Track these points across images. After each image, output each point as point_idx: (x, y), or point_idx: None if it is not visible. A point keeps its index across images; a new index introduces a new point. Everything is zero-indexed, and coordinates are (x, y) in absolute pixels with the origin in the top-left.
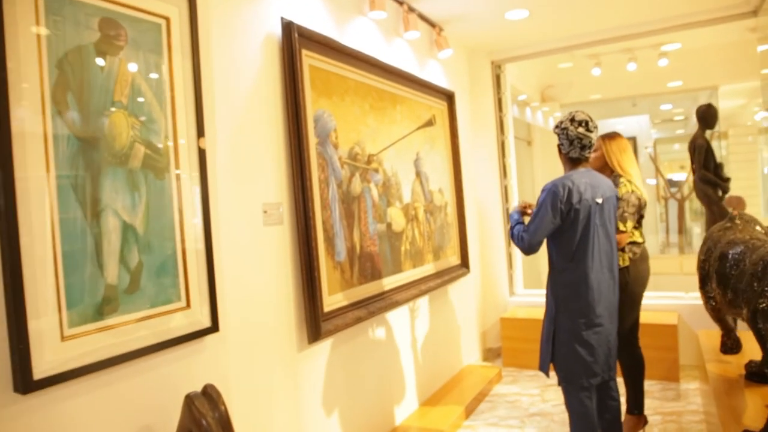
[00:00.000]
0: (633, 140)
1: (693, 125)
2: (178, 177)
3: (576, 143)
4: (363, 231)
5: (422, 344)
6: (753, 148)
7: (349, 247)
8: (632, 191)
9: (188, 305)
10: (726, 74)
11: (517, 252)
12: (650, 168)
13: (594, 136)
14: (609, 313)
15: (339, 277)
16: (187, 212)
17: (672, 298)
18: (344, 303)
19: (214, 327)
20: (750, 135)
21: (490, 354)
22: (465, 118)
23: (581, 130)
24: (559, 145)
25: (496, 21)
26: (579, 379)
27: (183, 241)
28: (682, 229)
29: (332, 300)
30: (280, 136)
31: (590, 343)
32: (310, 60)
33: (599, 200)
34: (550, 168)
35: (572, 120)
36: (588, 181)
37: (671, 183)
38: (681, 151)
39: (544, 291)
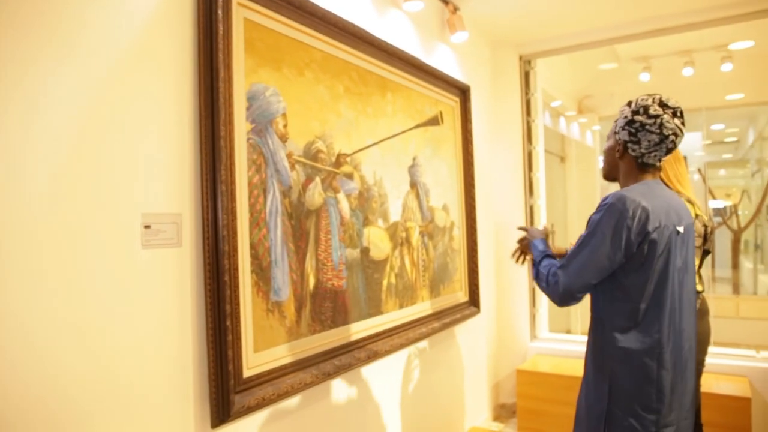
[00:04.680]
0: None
1: (744, 149)
2: None
3: (665, 143)
4: (322, 258)
5: (411, 406)
6: None
7: (296, 280)
8: (696, 216)
9: None
10: None
11: None
12: (699, 195)
13: None
14: (686, 405)
15: (276, 324)
16: None
17: (738, 357)
18: (284, 361)
19: None
20: None
21: (504, 411)
22: (483, 120)
23: (678, 122)
24: (626, 143)
25: (526, 3)
26: None
27: None
28: (736, 265)
29: (262, 358)
30: (186, 116)
31: None
32: (246, 12)
33: (681, 229)
34: (587, 190)
35: (664, 105)
36: (666, 200)
37: (714, 212)
38: (727, 177)
39: (573, 336)
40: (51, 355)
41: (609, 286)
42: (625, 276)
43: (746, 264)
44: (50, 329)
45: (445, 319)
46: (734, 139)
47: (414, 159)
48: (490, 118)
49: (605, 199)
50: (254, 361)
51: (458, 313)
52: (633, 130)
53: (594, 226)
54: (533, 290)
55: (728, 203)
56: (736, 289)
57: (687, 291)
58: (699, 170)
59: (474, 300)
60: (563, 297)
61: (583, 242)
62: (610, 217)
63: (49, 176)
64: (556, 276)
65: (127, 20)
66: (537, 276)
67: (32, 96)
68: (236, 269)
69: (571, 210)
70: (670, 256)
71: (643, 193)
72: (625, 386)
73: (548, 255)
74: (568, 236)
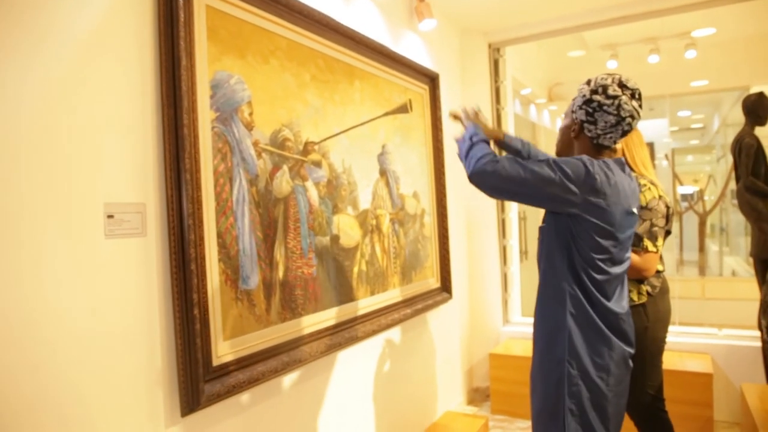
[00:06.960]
0: (650, 146)
1: (710, 135)
2: None
3: (622, 125)
4: (291, 246)
5: (385, 391)
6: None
7: (265, 268)
8: (659, 197)
9: None
10: (763, 71)
11: (514, 273)
12: (666, 180)
13: None
14: (623, 366)
15: (246, 312)
16: None
17: (701, 335)
18: (254, 349)
19: None
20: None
21: (478, 395)
22: (452, 107)
23: (635, 104)
24: (582, 123)
25: None
26: None
27: None
28: (702, 248)
29: (232, 346)
30: (148, 105)
31: (607, 413)
32: None
33: (633, 209)
34: None
35: (623, 86)
36: (626, 180)
37: (681, 197)
38: (694, 163)
39: None
40: (14, 347)
41: (565, 255)
42: (580, 246)
43: (712, 247)
44: (12, 321)
45: (417, 305)
46: (700, 125)
47: (383, 147)
48: (460, 105)
49: (578, 156)
50: (224, 349)
51: (430, 299)
52: (590, 110)
53: (558, 160)
54: (505, 275)
55: (695, 188)
56: (702, 271)
57: (625, 265)
58: (666, 156)
59: (446, 286)
60: (484, 175)
61: (541, 160)
62: (577, 162)
63: (7, 167)
64: (497, 158)
65: (86, 7)
66: (465, 150)
67: None
68: (203, 258)
69: None
70: (617, 231)
71: (609, 166)
72: (581, 349)
73: (485, 141)
74: (539, 222)
